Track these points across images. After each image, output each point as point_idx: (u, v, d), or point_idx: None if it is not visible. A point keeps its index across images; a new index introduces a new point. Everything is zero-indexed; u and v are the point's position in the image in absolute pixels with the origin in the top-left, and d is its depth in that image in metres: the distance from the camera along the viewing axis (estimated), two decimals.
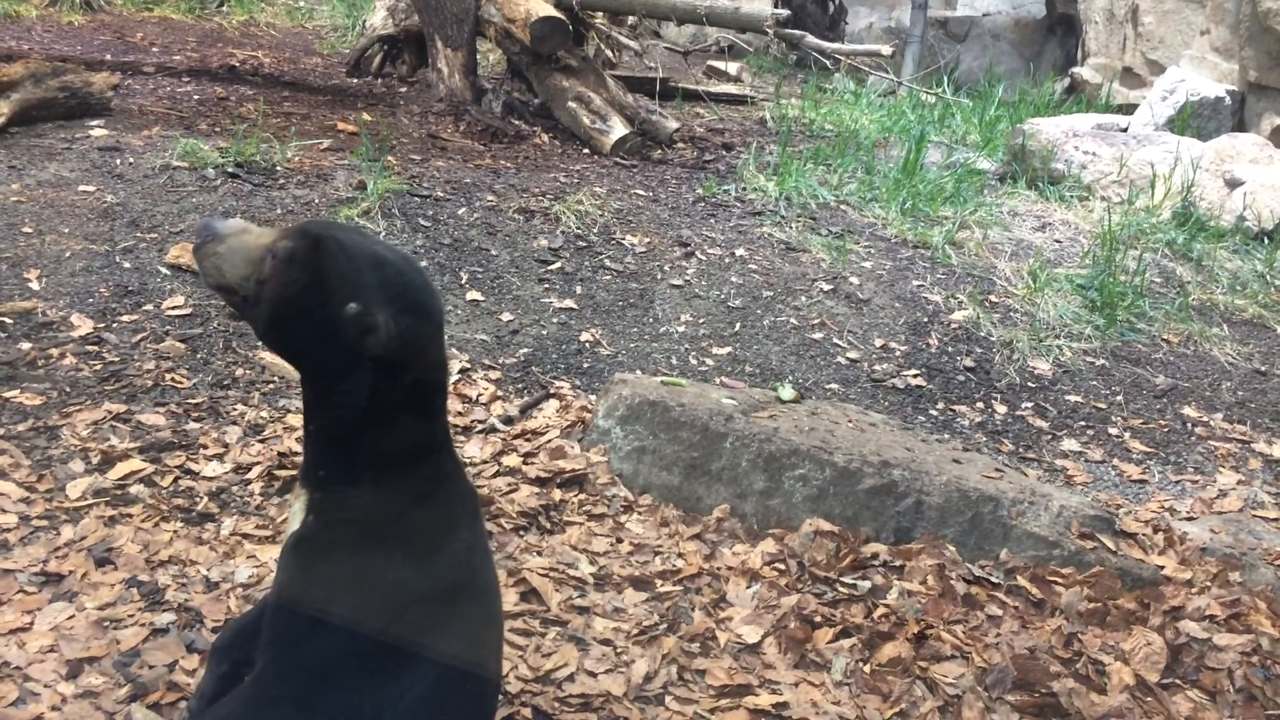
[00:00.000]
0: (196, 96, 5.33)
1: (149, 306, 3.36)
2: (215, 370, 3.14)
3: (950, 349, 3.98)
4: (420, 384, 1.55)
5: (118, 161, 4.11)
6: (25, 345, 3.08)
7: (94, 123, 4.49)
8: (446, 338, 3.49)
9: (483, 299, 3.75)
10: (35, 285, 3.35)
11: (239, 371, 3.16)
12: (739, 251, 4.34)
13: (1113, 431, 3.69)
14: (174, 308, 3.37)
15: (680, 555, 2.66)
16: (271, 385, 3.13)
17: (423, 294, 1.55)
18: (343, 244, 1.50)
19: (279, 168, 4.22)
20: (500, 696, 2.12)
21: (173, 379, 3.05)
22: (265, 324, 1.55)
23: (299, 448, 2.52)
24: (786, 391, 3.25)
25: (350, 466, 1.56)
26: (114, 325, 3.24)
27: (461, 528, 1.65)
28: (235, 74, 6.07)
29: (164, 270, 3.52)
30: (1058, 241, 5.00)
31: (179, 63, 6.13)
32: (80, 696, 2.00)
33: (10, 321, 3.17)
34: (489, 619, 1.73)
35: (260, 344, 1.53)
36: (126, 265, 3.53)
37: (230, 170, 4.12)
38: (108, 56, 6.05)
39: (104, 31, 6.91)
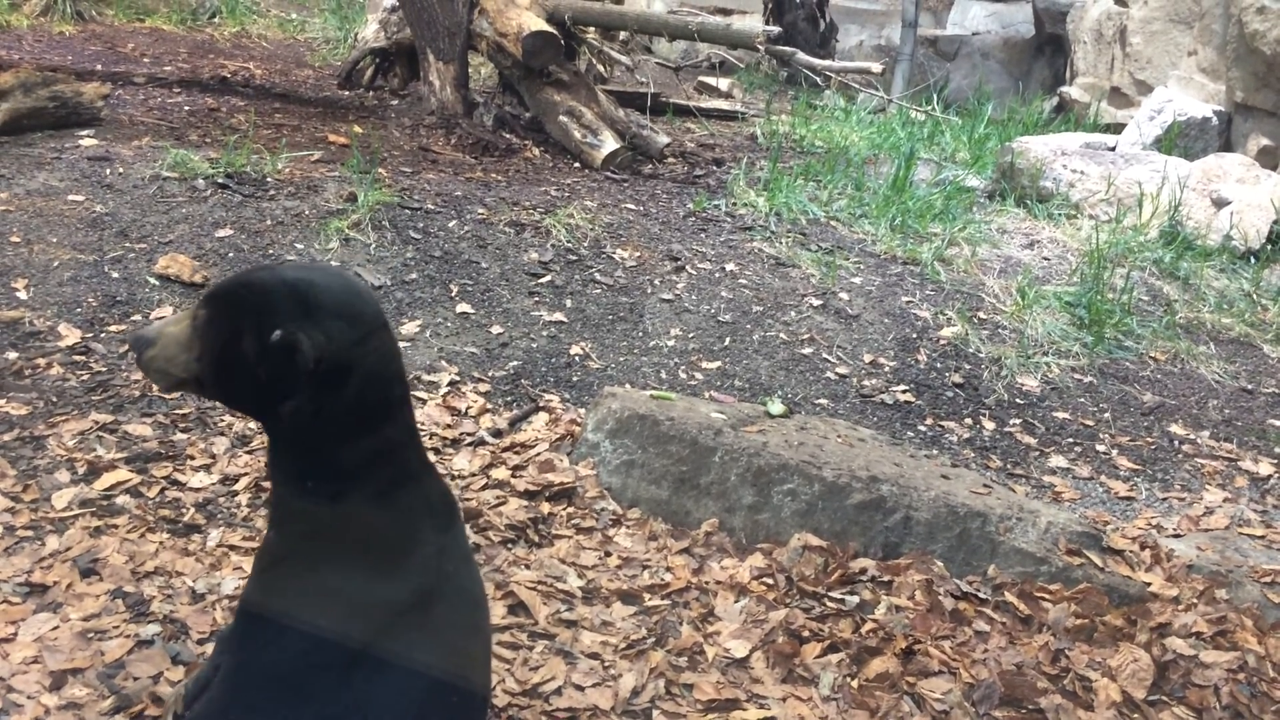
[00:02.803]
0: (187, 107, 5.33)
1: (137, 316, 3.35)
2: None
3: (939, 365, 3.99)
4: (368, 388, 1.54)
5: (107, 171, 4.11)
6: (12, 355, 3.06)
7: (84, 132, 4.48)
8: (437, 349, 3.49)
9: (473, 311, 3.75)
10: (23, 294, 3.34)
11: None
12: (729, 266, 4.35)
13: (1100, 448, 3.70)
14: (162, 318, 3.36)
15: (668, 569, 2.66)
16: None
17: (347, 300, 1.55)
18: (251, 284, 1.53)
19: (269, 179, 4.21)
20: (488, 710, 2.11)
21: (160, 390, 3.03)
22: (220, 392, 1.59)
23: None
24: (776, 406, 3.25)
25: (306, 478, 1.56)
26: (102, 335, 3.23)
27: (428, 531, 1.63)
28: (226, 85, 6.06)
29: (152, 280, 3.51)
30: (1046, 259, 5.02)
31: (170, 73, 6.12)
32: (64, 708, 1.99)
33: None
34: (465, 625, 1.70)
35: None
36: (115, 275, 3.52)
37: (220, 181, 4.12)
38: (98, 66, 6.04)
39: (95, 42, 6.90)
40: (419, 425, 3.09)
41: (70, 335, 3.19)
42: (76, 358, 3.10)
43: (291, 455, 1.56)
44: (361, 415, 1.54)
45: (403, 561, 1.60)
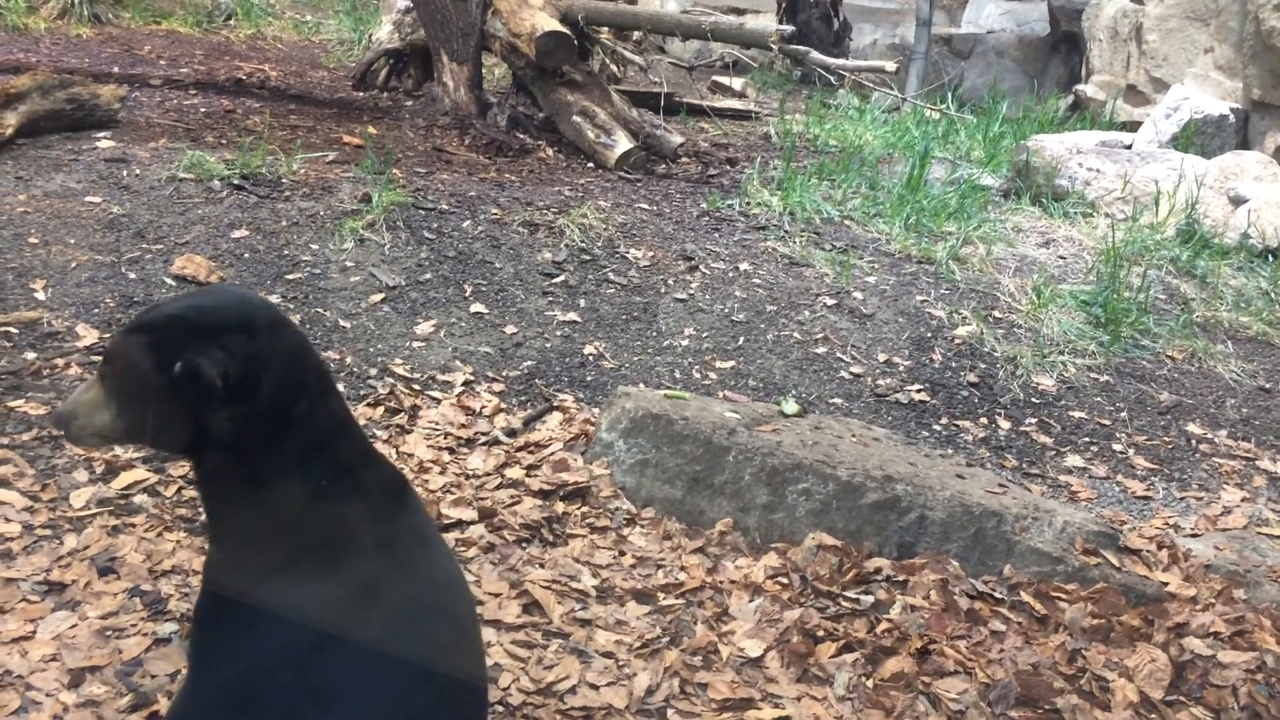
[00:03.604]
0: (203, 109, 5.35)
1: None
2: None
3: (954, 364, 3.98)
4: (282, 389, 1.54)
5: (124, 173, 4.13)
6: (30, 355, 3.08)
7: (101, 134, 4.51)
8: (452, 349, 3.49)
9: (486, 311, 3.75)
10: (41, 295, 3.36)
11: None
12: (743, 266, 4.35)
13: (1117, 448, 3.69)
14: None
15: (683, 568, 2.66)
16: None
17: (237, 313, 1.56)
18: (141, 328, 1.54)
19: (284, 180, 4.23)
20: (501, 708, 2.12)
21: None
22: (148, 437, 1.60)
23: None
24: (790, 406, 3.25)
25: (238, 491, 1.57)
26: None
27: (370, 522, 1.62)
28: (242, 87, 6.09)
29: (169, 281, 3.53)
30: (1062, 258, 5.00)
31: (186, 75, 6.16)
32: (82, 706, 2.00)
33: (16, 331, 3.17)
34: (431, 610, 1.66)
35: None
36: (132, 276, 3.54)
37: (236, 182, 4.14)
38: (115, 69, 6.08)
39: (111, 44, 6.94)
40: (433, 425, 3.10)
41: (88, 335, 3.21)
42: (94, 358, 3.12)
43: (221, 475, 1.58)
44: (283, 417, 1.54)
45: (343, 557, 1.59)
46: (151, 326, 1.54)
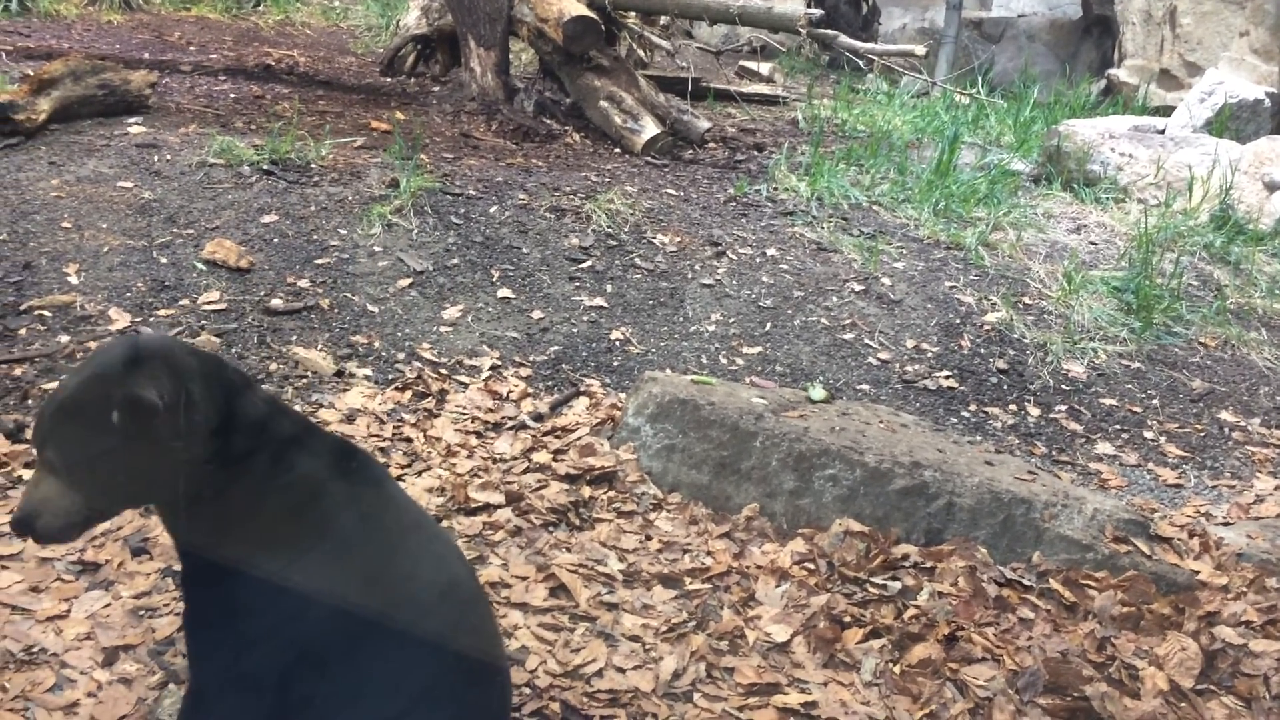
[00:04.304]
0: (233, 95, 5.38)
1: (185, 301, 3.40)
2: (249, 364, 3.16)
3: (983, 351, 3.95)
4: (210, 393, 1.60)
5: (155, 158, 4.16)
6: (64, 338, 3.12)
7: (132, 120, 4.54)
8: (479, 334, 3.50)
9: (513, 297, 3.76)
10: (74, 279, 3.40)
11: (273, 366, 3.19)
12: (770, 251, 4.33)
13: (1148, 435, 3.65)
14: (209, 302, 3.40)
15: (709, 553, 2.66)
16: (304, 380, 3.16)
17: (143, 351, 1.60)
18: (62, 402, 1.55)
19: (313, 165, 4.25)
20: (528, 690, 2.13)
21: None
22: (118, 500, 1.64)
23: None
24: (817, 391, 3.24)
25: (198, 501, 1.61)
26: (151, 319, 3.28)
27: (327, 474, 1.69)
28: (271, 73, 6.12)
29: (200, 266, 3.56)
30: (1093, 244, 4.95)
31: (216, 61, 6.19)
32: (115, 683, 2.02)
33: (49, 315, 3.21)
34: (413, 553, 1.74)
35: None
36: (163, 260, 3.57)
37: (265, 168, 4.16)
38: (146, 55, 6.12)
39: (142, 30, 6.99)
40: (461, 409, 3.11)
41: (120, 319, 3.24)
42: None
43: (193, 489, 1.62)
44: (219, 418, 1.60)
45: (305, 530, 1.65)
46: (72, 397, 1.55)
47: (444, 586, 1.73)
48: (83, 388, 1.55)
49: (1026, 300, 4.32)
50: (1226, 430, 3.74)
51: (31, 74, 4.48)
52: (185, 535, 1.66)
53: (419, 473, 2.81)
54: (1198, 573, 2.74)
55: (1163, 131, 6.03)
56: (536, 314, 3.70)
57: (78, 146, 4.20)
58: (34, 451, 1.63)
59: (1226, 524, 3.12)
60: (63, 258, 3.49)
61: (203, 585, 1.66)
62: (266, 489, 1.64)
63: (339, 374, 3.22)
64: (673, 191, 4.81)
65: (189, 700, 1.70)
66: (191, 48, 6.62)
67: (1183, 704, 2.33)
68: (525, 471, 2.89)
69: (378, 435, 2.94)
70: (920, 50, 6.16)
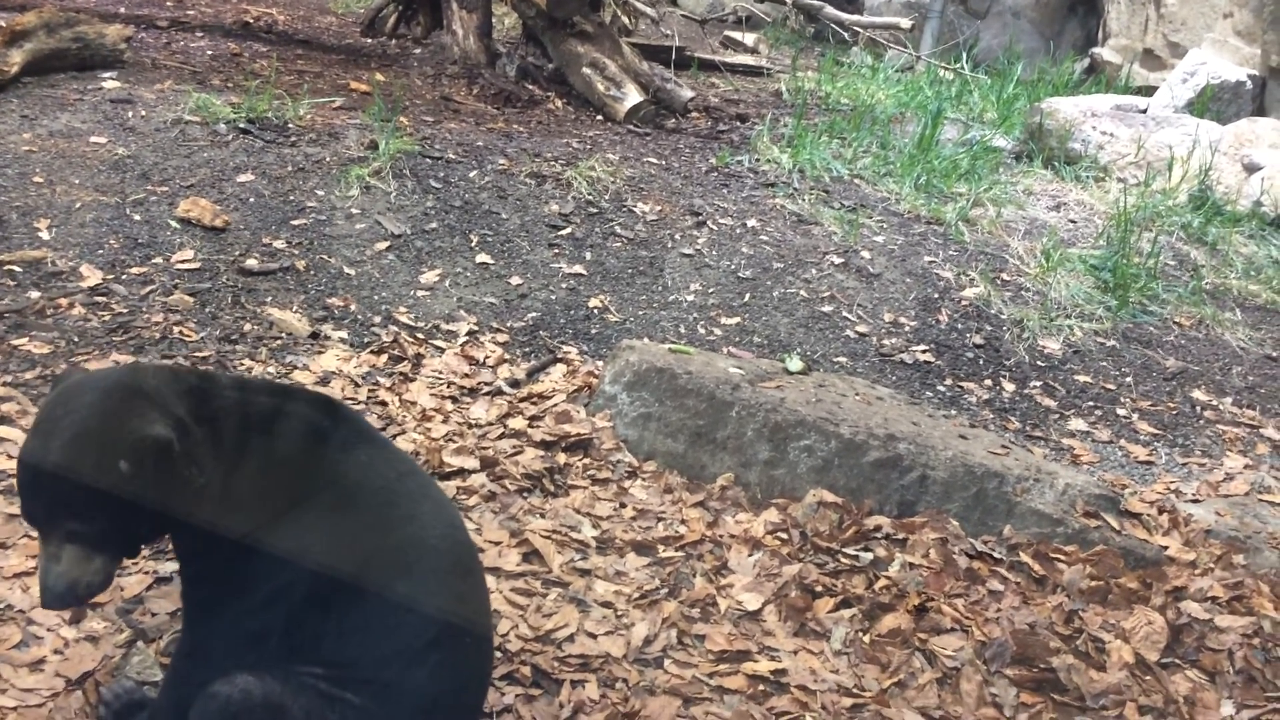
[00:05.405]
0: (210, 51, 5.30)
1: (158, 259, 3.35)
2: (223, 324, 3.13)
3: (960, 326, 3.96)
4: (197, 397, 1.65)
5: (129, 114, 4.10)
6: (34, 294, 3.07)
7: (106, 74, 4.47)
8: (456, 299, 3.49)
9: (492, 262, 3.73)
10: (45, 235, 3.35)
11: (247, 326, 3.16)
12: (750, 222, 4.32)
13: (1121, 412, 3.68)
14: (183, 261, 3.37)
15: (683, 522, 2.66)
16: (279, 341, 3.13)
17: (109, 384, 1.62)
18: (56, 469, 1.53)
19: (291, 125, 4.20)
20: (500, 654, 2.13)
21: (181, 332, 3.05)
22: (151, 535, 1.69)
23: None
24: (794, 363, 3.24)
25: (203, 489, 1.64)
26: (123, 277, 3.24)
27: (312, 423, 1.73)
28: (249, 30, 6.03)
29: (174, 224, 3.51)
30: (1072, 221, 4.96)
31: (193, 17, 6.09)
32: (82, 640, 2.01)
33: (20, 270, 3.17)
34: (407, 501, 1.77)
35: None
36: (137, 218, 3.52)
37: (242, 126, 4.10)
38: (121, 9, 6.01)
39: None
40: (437, 374, 3.09)
41: (92, 276, 3.20)
42: (98, 299, 3.11)
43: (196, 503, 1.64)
44: (209, 424, 1.65)
45: (309, 484, 1.70)
46: (68, 462, 1.52)
47: (444, 529, 1.79)
48: (75, 448, 1.52)
49: (1005, 276, 4.33)
50: (1198, 409, 3.77)
51: (4, 25, 4.39)
52: (191, 521, 1.66)
53: (394, 437, 2.79)
54: (1166, 548, 2.76)
55: (1144, 111, 6.04)
56: (515, 280, 3.68)
57: (51, 100, 4.13)
58: (37, 529, 1.59)
59: (1196, 501, 3.16)
60: (34, 213, 3.43)
61: (210, 557, 1.68)
62: (266, 465, 1.68)
63: (314, 336, 3.19)
64: (654, 160, 4.78)
65: (184, 646, 1.76)
66: (168, 3, 6.50)
67: (1148, 677, 2.36)
68: (500, 437, 2.88)
69: (352, 398, 2.92)
70: (906, 23, 6.14)
